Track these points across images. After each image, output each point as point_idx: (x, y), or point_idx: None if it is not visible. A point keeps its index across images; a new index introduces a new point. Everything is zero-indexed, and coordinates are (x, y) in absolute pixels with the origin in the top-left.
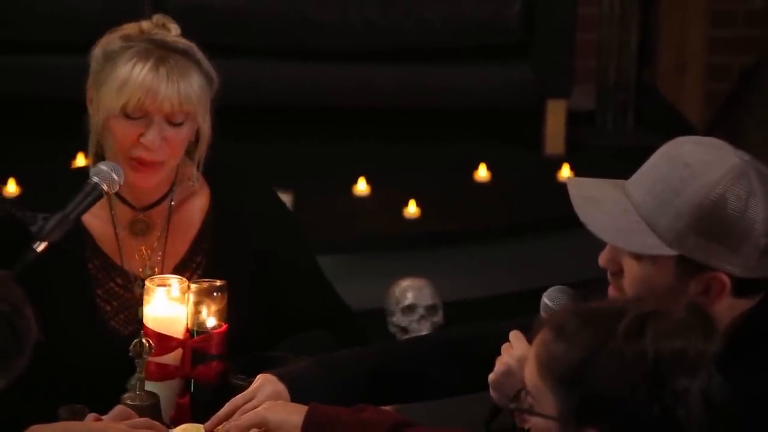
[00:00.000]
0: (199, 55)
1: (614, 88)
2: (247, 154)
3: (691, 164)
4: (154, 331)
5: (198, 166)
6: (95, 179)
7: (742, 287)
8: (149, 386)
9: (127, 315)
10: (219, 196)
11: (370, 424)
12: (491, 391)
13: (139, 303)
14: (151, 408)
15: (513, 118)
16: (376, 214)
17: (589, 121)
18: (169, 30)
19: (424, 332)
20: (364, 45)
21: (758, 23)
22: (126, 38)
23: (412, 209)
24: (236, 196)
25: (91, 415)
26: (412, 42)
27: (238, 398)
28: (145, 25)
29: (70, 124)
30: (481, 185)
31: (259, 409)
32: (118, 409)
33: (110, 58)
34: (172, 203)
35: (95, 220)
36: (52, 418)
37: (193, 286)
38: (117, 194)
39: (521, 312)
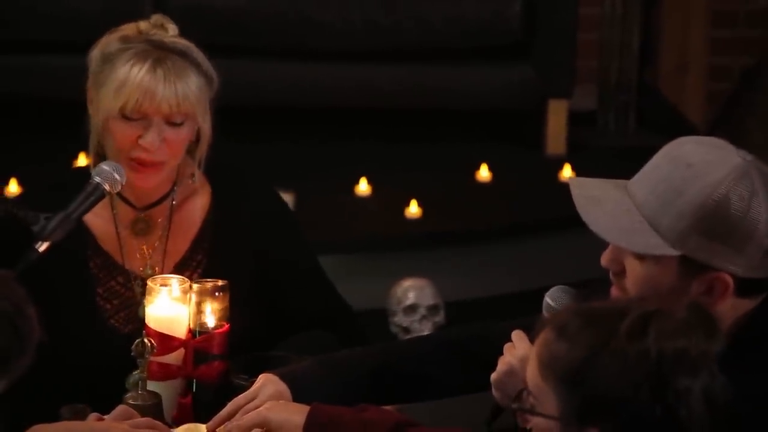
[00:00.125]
0: (198, 55)
1: (616, 88)
2: (248, 154)
3: (694, 164)
4: (156, 331)
5: (199, 166)
6: (97, 179)
7: (745, 287)
8: (151, 386)
9: (127, 313)
10: (220, 195)
11: (371, 424)
12: (493, 390)
13: (139, 302)
14: (153, 408)
15: (514, 119)
16: (377, 214)
17: (590, 121)
18: (167, 30)
19: (426, 332)
20: (365, 45)
21: (759, 23)
22: (124, 39)
23: (413, 209)
24: (237, 195)
25: (93, 415)
26: (413, 42)
27: (240, 398)
28: (143, 25)
29: (70, 124)
30: (483, 185)
31: (261, 408)
32: (120, 408)
33: (108, 59)
34: (173, 203)
35: (97, 219)
36: (55, 417)
37: (195, 286)
38: (118, 194)
39: (522, 312)
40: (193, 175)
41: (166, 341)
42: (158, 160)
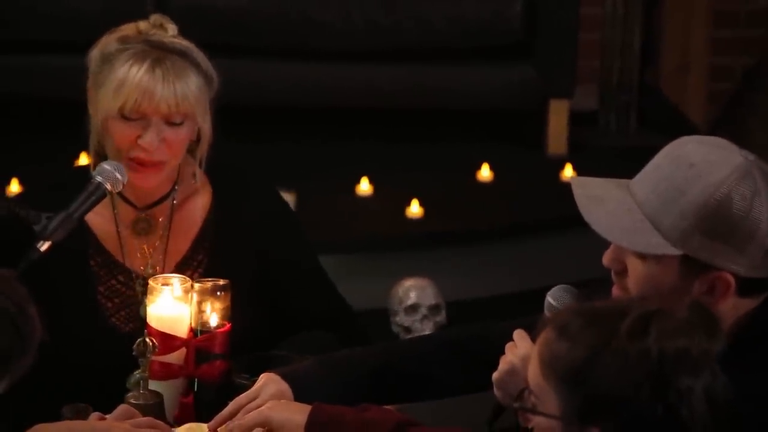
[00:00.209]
0: (198, 55)
1: (617, 88)
2: (250, 153)
3: (696, 164)
4: (157, 331)
5: (200, 165)
6: (99, 179)
7: (746, 287)
8: (153, 385)
9: (127, 312)
10: (221, 195)
11: (373, 424)
12: (495, 389)
13: (139, 301)
14: (154, 407)
15: (515, 119)
16: (379, 214)
17: (591, 121)
18: (166, 30)
19: (427, 332)
20: (366, 45)
21: (761, 23)
22: (123, 40)
23: (414, 209)
24: (238, 195)
25: (95, 414)
26: (415, 42)
27: (242, 397)
28: (142, 25)
29: (71, 124)
30: (484, 185)
31: (262, 408)
32: (122, 408)
33: (107, 59)
34: (174, 202)
35: (98, 218)
36: (56, 417)
37: (197, 286)
38: (119, 193)
39: (523, 312)
40: (194, 174)
41: (168, 340)
42: (157, 160)
